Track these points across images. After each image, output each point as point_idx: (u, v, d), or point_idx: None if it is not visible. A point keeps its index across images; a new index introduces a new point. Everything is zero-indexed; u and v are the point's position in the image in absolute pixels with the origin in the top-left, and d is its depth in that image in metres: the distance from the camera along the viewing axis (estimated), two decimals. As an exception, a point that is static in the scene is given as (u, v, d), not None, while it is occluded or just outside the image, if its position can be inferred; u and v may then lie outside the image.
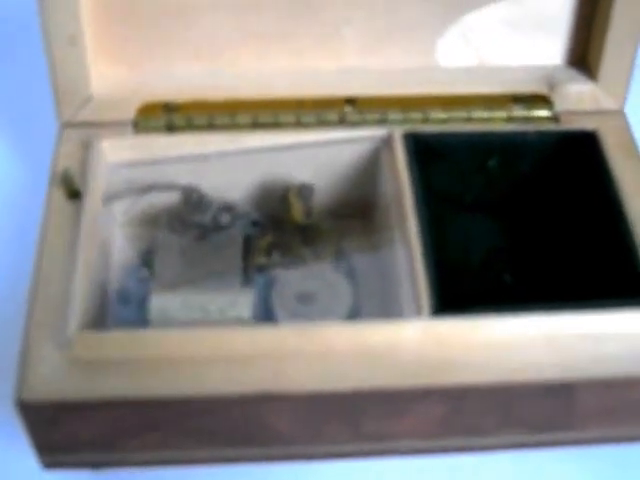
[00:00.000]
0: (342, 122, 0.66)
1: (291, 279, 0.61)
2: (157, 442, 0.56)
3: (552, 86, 0.67)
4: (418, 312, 0.54)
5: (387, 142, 0.64)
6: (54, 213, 0.60)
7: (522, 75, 0.68)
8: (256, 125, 0.65)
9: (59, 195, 0.61)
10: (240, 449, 0.57)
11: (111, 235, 0.64)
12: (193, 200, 0.65)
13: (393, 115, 0.66)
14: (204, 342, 0.54)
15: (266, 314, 0.60)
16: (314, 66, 0.66)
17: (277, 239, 0.64)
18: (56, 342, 0.54)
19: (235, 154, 0.65)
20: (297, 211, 0.63)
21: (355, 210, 0.67)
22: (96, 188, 0.61)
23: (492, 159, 0.65)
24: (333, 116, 0.66)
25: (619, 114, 0.68)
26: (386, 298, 0.61)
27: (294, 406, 0.54)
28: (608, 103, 0.68)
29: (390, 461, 0.58)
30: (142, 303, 0.61)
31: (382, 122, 0.66)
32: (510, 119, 0.66)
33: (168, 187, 0.65)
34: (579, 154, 0.64)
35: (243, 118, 0.65)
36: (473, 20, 0.66)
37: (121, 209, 0.65)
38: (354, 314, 0.60)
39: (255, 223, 0.65)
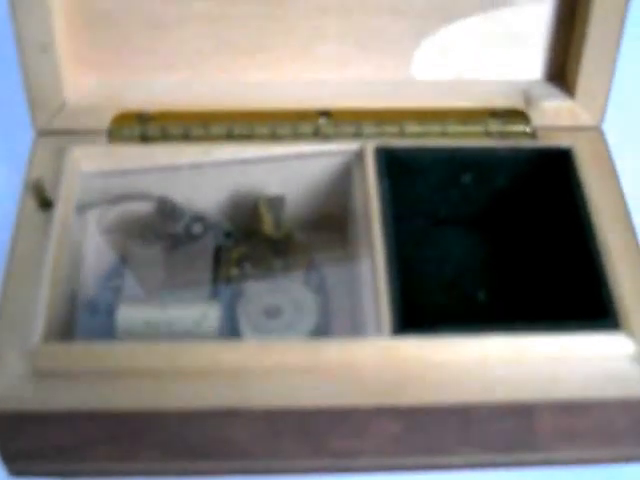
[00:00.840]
0: (316, 134, 0.66)
1: (258, 293, 0.61)
2: (121, 454, 0.56)
3: (529, 101, 0.67)
4: (379, 330, 0.54)
5: (359, 156, 0.63)
6: (25, 222, 0.61)
7: (499, 90, 0.67)
8: (230, 136, 0.65)
9: (31, 204, 0.61)
10: (202, 462, 0.57)
11: (83, 244, 0.64)
12: (166, 210, 0.65)
13: (368, 128, 0.66)
14: (166, 356, 0.54)
15: (232, 327, 0.60)
16: (289, 78, 0.66)
17: (248, 251, 0.64)
18: (20, 352, 0.54)
19: (209, 165, 0.65)
20: (267, 223, 0.63)
21: (328, 223, 0.67)
22: (68, 197, 0.61)
23: (466, 175, 0.64)
24: (307, 128, 0.66)
25: (597, 130, 0.67)
26: (354, 313, 0.61)
27: (253, 422, 0.54)
28: (586, 119, 0.67)
29: (350, 478, 0.58)
30: (111, 313, 0.61)
31: (357, 135, 0.65)
32: (486, 134, 0.66)
33: (141, 197, 0.65)
34: (553, 172, 0.64)
35: (217, 129, 0.65)
36: (450, 34, 0.66)
37: (94, 218, 0.65)
38: (320, 330, 0.60)
39: (227, 234, 0.65)
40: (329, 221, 0.67)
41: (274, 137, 0.65)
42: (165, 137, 0.65)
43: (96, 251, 0.65)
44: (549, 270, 0.63)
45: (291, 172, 0.65)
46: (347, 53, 0.66)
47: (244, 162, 0.65)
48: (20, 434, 0.55)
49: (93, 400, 0.53)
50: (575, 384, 0.54)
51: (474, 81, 0.68)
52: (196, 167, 0.65)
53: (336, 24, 0.65)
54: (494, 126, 0.66)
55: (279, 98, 0.66)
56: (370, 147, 0.63)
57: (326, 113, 0.66)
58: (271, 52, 0.66)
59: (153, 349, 0.54)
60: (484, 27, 0.66)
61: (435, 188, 0.65)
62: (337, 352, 0.54)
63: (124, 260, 0.64)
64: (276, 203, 0.63)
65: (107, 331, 0.60)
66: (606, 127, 0.67)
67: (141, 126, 0.65)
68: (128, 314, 0.60)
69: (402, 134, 0.66)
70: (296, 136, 0.65)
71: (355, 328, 0.60)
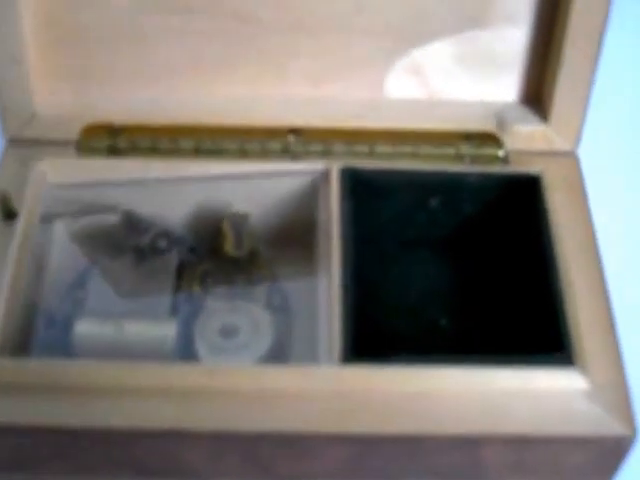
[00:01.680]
0: (286, 152, 0.65)
1: (216, 311, 0.60)
2: (71, 469, 0.56)
3: (502, 125, 0.66)
4: (330, 357, 0.54)
5: (325, 176, 0.63)
6: (-11, 233, 0.61)
7: (473, 112, 0.66)
8: (199, 151, 0.65)
9: (-3, 215, 0.62)
10: (151, 480, 0.57)
11: (48, 256, 0.64)
12: (132, 223, 0.65)
13: (338, 147, 0.65)
14: (117, 375, 0.54)
15: (188, 346, 0.60)
16: (260, 95, 0.66)
17: (212, 268, 0.64)
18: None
19: (176, 181, 0.64)
20: (229, 242, 0.63)
21: (295, 242, 0.66)
22: (32, 208, 0.61)
23: (434, 199, 0.64)
24: (277, 146, 0.65)
25: (571, 156, 0.66)
26: (313, 336, 0.61)
27: (200, 443, 0.54)
28: (560, 144, 0.66)
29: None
30: (70, 327, 0.61)
31: (326, 154, 0.65)
32: (458, 157, 0.65)
33: (107, 209, 0.65)
34: (521, 199, 0.63)
35: (186, 144, 0.65)
36: (424, 55, 0.65)
37: (60, 230, 0.65)
38: (276, 351, 0.60)
39: (192, 250, 0.65)
40: (296, 240, 0.66)
41: (243, 153, 0.65)
42: (134, 150, 0.65)
43: (61, 263, 0.65)
44: (511, 299, 0.62)
45: (259, 190, 0.65)
46: (319, 71, 0.65)
47: (212, 178, 0.64)
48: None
49: (43, 416, 0.53)
50: (526, 418, 0.53)
51: (448, 103, 0.67)
52: (164, 182, 0.64)
53: (309, 42, 0.64)
54: (466, 149, 0.65)
55: (249, 114, 0.65)
56: (336, 168, 0.62)
57: (296, 131, 0.65)
58: (242, 68, 0.65)
59: (104, 368, 0.54)
60: (459, 48, 0.65)
61: (402, 211, 0.64)
62: (285, 379, 0.53)
63: (88, 272, 0.64)
64: (239, 222, 0.63)
65: (65, 345, 0.60)
66: (582, 153, 0.66)
67: (110, 138, 0.65)
68: (85, 330, 0.60)
69: (372, 154, 0.65)
70: (265, 153, 0.65)
71: (311, 351, 0.59)
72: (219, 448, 0.54)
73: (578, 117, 0.65)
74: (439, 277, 0.65)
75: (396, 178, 0.63)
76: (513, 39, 0.64)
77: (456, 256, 0.66)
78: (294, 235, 0.66)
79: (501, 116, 0.66)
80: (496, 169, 0.64)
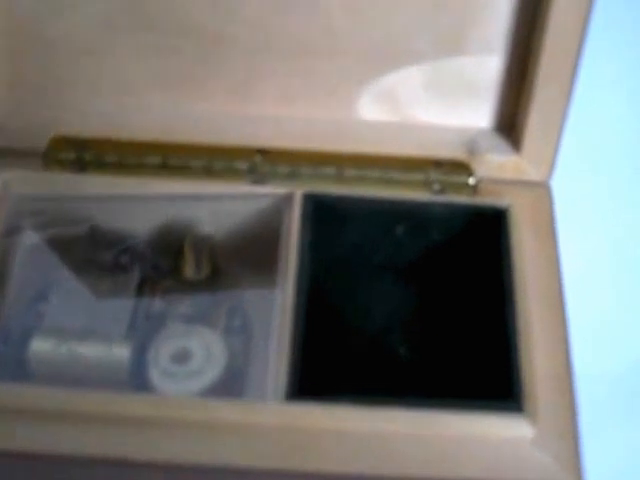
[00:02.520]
0: (252, 172, 0.64)
1: (170, 336, 0.60)
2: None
3: (473, 152, 0.64)
4: (275, 394, 0.53)
5: (289, 201, 0.62)
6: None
7: (444, 138, 0.65)
8: (165, 167, 0.64)
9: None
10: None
11: (10, 270, 0.64)
12: (95, 238, 0.64)
13: (305, 170, 0.64)
14: (60, 400, 0.53)
15: (142, 369, 0.59)
16: (227, 113, 0.65)
17: (174, 286, 0.63)
18: None
19: (142, 198, 0.64)
20: (189, 265, 0.62)
21: (259, 265, 0.65)
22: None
23: (399, 227, 0.63)
24: (243, 165, 0.64)
25: (543, 187, 0.65)
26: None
27: (142, 473, 0.54)
28: (531, 175, 0.64)
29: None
30: (27, 342, 0.61)
31: (293, 176, 0.64)
32: (427, 183, 0.64)
33: (72, 223, 0.65)
34: (487, 231, 0.61)
35: (152, 159, 0.64)
36: (396, 79, 0.64)
37: (24, 243, 0.65)
38: (229, 379, 0.59)
39: (155, 267, 0.64)
40: (261, 262, 0.65)
41: (209, 171, 0.64)
42: (100, 164, 0.64)
43: (24, 275, 0.65)
44: (470, 334, 0.61)
45: (223, 210, 0.64)
46: (287, 92, 0.64)
47: (177, 198, 0.64)
48: None
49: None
50: (474, 464, 0.52)
51: (419, 128, 0.65)
52: (129, 199, 0.64)
53: (279, 63, 0.63)
54: (436, 175, 0.64)
55: (216, 133, 0.65)
56: (299, 192, 0.62)
57: (263, 152, 0.64)
58: (210, 86, 0.64)
59: (48, 393, 0.54)
60: (433, 73, 0.63)
61: (366, 238, 0.63)
62: (230, 412, 0.53)
63: (50, 286, 0.64)
64: (201, 244, 0.62)
65: (22, 361, 0.60)
66: (556, 184, 0.65)
67: (77, 151, 0.65)
68: (40, 348, 0.59)
69: (340, 178, 0.64)
70: (231, 172, 0.64)
71: (263, 380, 0.59)
72: (164, 478, 0.54)
73: (551, 147, 0.63)
74: (402, 305, 0.64)
75: (361, 205, 0.62)
76: (487, 66, 0.63)
77: (420, 284, 0.65)
78: (258, 257, 0.65)
79: (472, 144, 0.65)
80: (464, 200, 0.63)
